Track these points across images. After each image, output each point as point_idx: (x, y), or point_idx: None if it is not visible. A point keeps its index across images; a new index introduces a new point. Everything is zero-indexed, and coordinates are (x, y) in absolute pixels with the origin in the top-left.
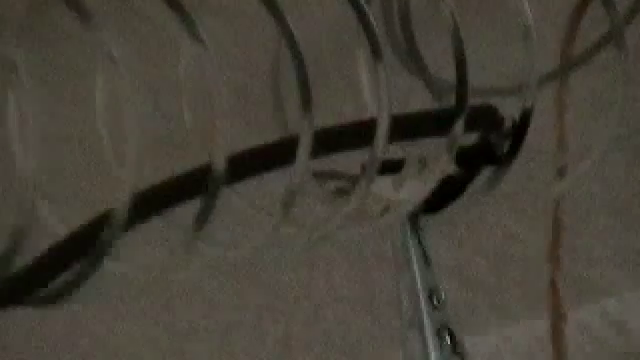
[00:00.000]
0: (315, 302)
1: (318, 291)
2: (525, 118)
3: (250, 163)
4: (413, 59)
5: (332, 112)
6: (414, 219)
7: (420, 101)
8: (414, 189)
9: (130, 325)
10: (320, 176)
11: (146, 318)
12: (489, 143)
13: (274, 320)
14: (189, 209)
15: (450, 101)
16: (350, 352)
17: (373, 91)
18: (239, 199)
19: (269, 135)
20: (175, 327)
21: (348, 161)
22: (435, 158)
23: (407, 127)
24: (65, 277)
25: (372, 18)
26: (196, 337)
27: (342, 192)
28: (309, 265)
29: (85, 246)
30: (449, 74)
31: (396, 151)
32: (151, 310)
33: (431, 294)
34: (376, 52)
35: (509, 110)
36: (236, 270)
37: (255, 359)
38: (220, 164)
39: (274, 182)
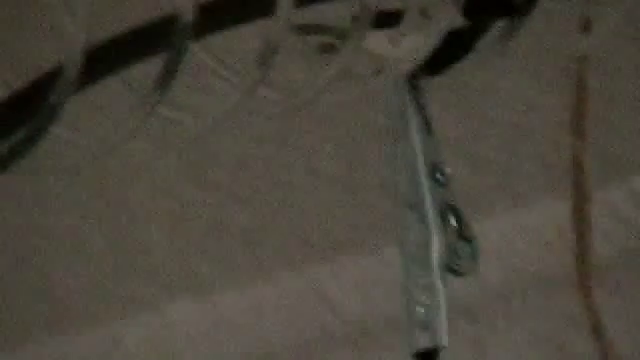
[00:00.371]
0: (289, 184)
1: (292, 170)
2: None
3: (223, 12)
4: None
5: None
6: (414, 80)
7: None
8: (414, 45)
9: (75, 201)
10: (303, 30)
11: (96, 197)
12: None
13: (238, 206)
14: (149, 68)
15: None
16: (331, 244)
17: None
18: (207, 56)
19: None
20: (126, 208)
21: (335, 13)
22: (439, 8)
23: None
24: (8, 143)
25: None
26: (148, 221)
27: (328, 48)
28: (282, 138)
29: (30, 109)
30: None
31: (394, 1)
32: (102, 187)
33: (433, 168)
34: None
35: None
36: (191, 145)
37: (213, 253)
38: (187, 13)
39: (246, 38)
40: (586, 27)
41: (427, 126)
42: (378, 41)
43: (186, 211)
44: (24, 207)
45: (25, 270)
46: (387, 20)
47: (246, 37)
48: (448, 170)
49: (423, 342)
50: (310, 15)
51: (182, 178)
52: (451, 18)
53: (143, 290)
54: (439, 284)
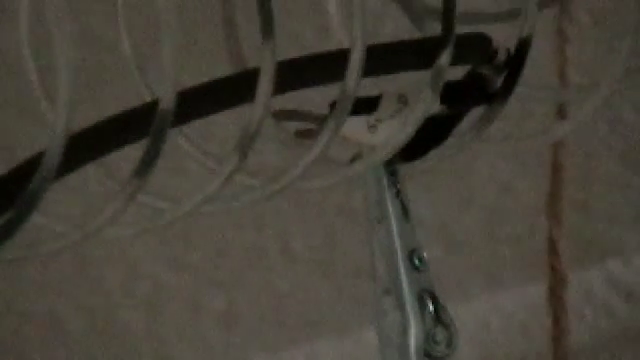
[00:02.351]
0: (264, 268)
1: (269, 254)
2: (522, 49)
3: (203, 100)
4: None
5: (292, 41)
6: (392, 167)
7: (395, 28)
8: (392, 131)
9: (52, 283)
10: (280, 116)
11: (73, 278)
12: (480, 78)
13: (214, 289)
14: (126, 155)
15: (433, 28)
16: (307, 328)
17: (343, 17)
18: (186, 143)
19: (220, 71)
20: (101, 294)
21: (312, 100)
22: (417, 95)
23: (384, 59)
24: None
25: None
26: (125, 303)
27: (306, 135)
28: (259, 223)
29: (10, 196)
30: None
31: (371, 87)
32: (79, 269)
33: (411, 254)
34: None
35: (503, 40)
36: (169, 229)
37: (192, 336)
38: (169, 101)
39: (224, 124)
40: (562, 113)
41: (404, 212)
42: (356, 127)
43: (163, 294)
44: (1, 289)
45: (2, 350)
46: (364, 106)
47: (225, 123)
48: (425, 255)
49: None
50: (288, 101)
51: (159, 261)
52: (429, 105)
53: None
54: None
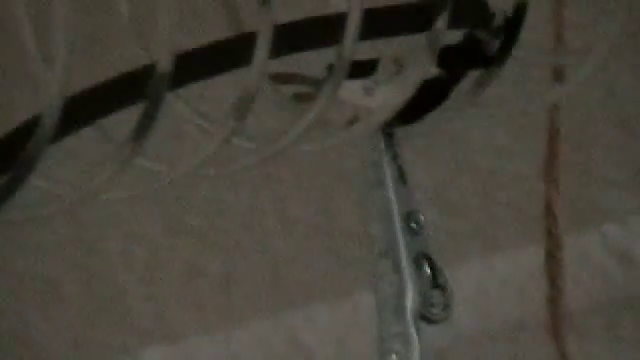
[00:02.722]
0: (262, 231)
1: (266, 218)
2: (519, 12)
3: (200, 63)
4: None
5: (289, 5)
6: (388, 129)
7: None
8: (389, 95)
9: (50, 246)
10: (277, 79)
11: (71, 242)
12: (477, 41)
13: (212, 252)
14: (123, 116)
15: None
16: (303, 291)
17: None
18: (183, 106)
19: (217, 35)
20: (98, 257)
21: (309, 63)
22: (414, 59)
23: (381, 22)
24: None
25: None
26: (122, 266)
27: (303, 98)
28: (255, 186)
29: (8, 159)
30: None
31: (368, 51)
32: (77, 233)
33: (408, 217)
34: None
35: (500, 3)
36: (166, 192)
37: (187, 299)
38: (166, 64)
39: (221, 87)
40: (558, 76)
41: (401, 175)
42: (353, 90)
43: (160, 257)
44: None
45: (1, 313)
46: (361, 70)
47: (221, 86)
48: (422, 218)
49: None
50: (285, 64)
51: (156, 224)
52: (426, 68)
53: (116, 335)
54: (413, 332)
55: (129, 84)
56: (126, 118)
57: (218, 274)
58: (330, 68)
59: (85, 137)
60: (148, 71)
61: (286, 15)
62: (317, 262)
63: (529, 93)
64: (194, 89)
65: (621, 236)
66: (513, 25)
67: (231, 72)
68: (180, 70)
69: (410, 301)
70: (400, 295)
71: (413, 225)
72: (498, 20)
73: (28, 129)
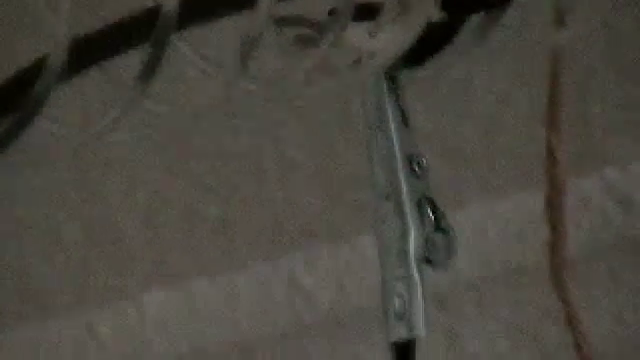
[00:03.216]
0: (260, 175)
1: (264, 162)
2: None
3: (205, 5)
4: None
5: None
6: (392, 73)
7: None
8: (392, 38)
9: (50, 190)
10: (281, 22)
11: (71, 186)
12: None
13: (211, 196)
14: (127, 59)
15: None
16: (303, 234)
17: None
18: (187, 49)
19: None
20: (98, 201)
21: (311, 6)
22: (417, 2)
23: None
24: None
25: None
26: (122, 210)
27: (307, 41)
28: (256, 130)
29: (15, 99)
30: None
31: None
32: (77, 177)
33: (410, 160)
34: None
35: None
36: (167, 136)
37: (189, 243)
38: (171, 5)
39: (224, 30)
40: (560, 20)
41: (404, 118)
42: (356, 34)
43: (160, 201)
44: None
45: (1, 256)
46: (365, 12)
47: (224, 29)
48: (425, 162)
49: (400, 332)
50: (289, 7)
51: (156, 169)
52: (429, 11)
53: (117, 279)
54: (416, 275)
55: (135, 26)
56: (128, 61)
57: (218, 218)
58: (334, 11)
59: (88, 80)
60: (153, 13)
61: None
62: (317, 205)
63: (531, 38)
64: (198, 33)
65: (622, 181)
66: None
67: (235, 15)
68: (185, 11)
69: (412, 243)
70: (403, 238)
71: (415, 168)
72: None
73: (35, 70)
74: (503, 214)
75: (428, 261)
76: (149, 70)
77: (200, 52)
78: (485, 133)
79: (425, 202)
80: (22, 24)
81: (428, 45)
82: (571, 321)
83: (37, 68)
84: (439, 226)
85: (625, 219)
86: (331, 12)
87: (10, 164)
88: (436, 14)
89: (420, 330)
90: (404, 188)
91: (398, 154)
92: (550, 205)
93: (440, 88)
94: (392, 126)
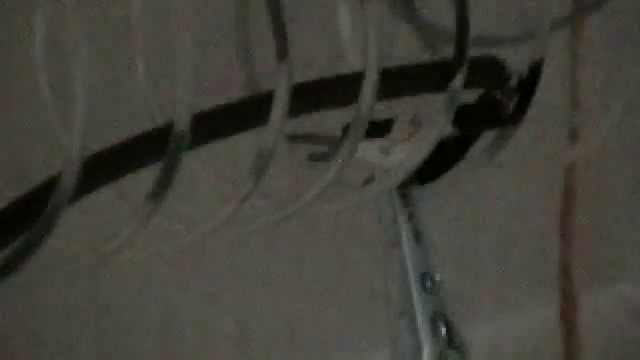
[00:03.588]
0: (277, 289)
1: (281, 276)
2: (535, 72)
3: (218, 123)
4: None
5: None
6: (404, 190)
7: (407, 51)
8: (405, 155)
9: (64, 304)
10: (294, 139)
11: (85, 301)
12: (493, 101)
13: (226, 311)
14: (138, 179)
15: (445, 52)
16: (319, 350)
17: (356, 39)
18: (201, 166)
19: (233, 95)
20: (112, 318)
21: (324, 123)
22: (430, 118)
23: (398, 82)
24: (4, 254)
25: None
26: (135, 326)
27: (319, 158)
28: (271, 245)
29: (27, 219)
30: (445, 19)
31: (384, 111)
32: (90, 291)
33: (424, 277)
34: None
35: (516, 62)
36: (179, 251)
37: (201, 357)
38: (184, 123)
39: (237, 147)
40: (574, 135)
41: (417, 235)
42: (369, 150)
43: (174, 317)
44: (13, 309)
45: None
46: (377, 129)
47: (238, 146)
48: (438, 278)
49: None
50: (302, 125)
51: (170, 285)
52: (443, 128)
53: None
54: None
55: (147, 144)
56: (137, 178)
57: (233, 333)
58: (346, 128)
59: (100, 196)
60: (166, 131)
61: (300, 75)
62: (332, 321)
63: (544, 153)
64: (210, 150)
65: (636, 295)
66: (529, 85)
67: (247, 131)
68: (198, 130)
69: None
70: (417, 355)
71: (429, 285)
72: (514, 80)
73: (46, 189)
74: (517, 329)
75: None
76: (162, 187)
77: (213, 169)
78: (499, 247)
79: (439, 319)
80: (37, 135)
81: (441, 161)
82: None
83: (49, 187)
84: (452, 342)
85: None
86: (345, 129)
87: (24, 280)
88: (448, 130)
89: None
90: (417, 305)
91: (411, 271)
92: (564, 320)
93: (454, 202)
94: (405, 244)
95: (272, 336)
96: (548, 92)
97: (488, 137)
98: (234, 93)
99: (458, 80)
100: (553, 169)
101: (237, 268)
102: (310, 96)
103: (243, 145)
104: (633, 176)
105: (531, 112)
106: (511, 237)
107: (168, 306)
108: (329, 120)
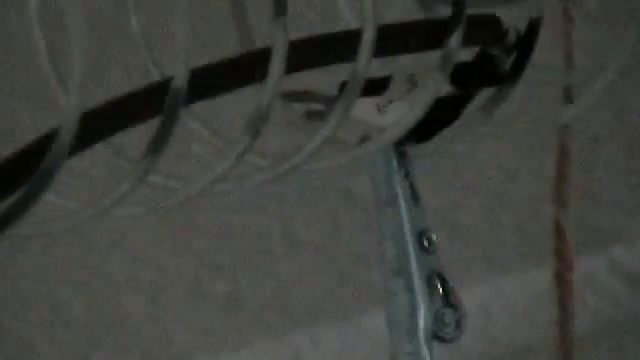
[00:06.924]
0: (268, 253)
1: (272, 239)
2: (532, 29)
3: (215, 79)
4: None
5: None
6: (401, 148)
7: (402, 10)
8: (401, 113)
9: (55, 267)
10: (289, 97)
11: (76, 264)
12: (490, 59)
13: (217, 273)
14: (133, 136)
15: (440, 11)
16: (310, 315)
17: None
18: (196, 123)
19: (228, 52)
20: (105, 275)
21: (318, 80)
22: (427, 76)
23: (395, 39)
24: (1, 207)
25: None
26: (126, 288)
27: (315, 116)
28: (261, 206)
29: (24, 173)
30: None
31: (379, 68)
32: (81, 254)
33: (420, 236)
34: None
35: (512, 20)
36: (172, 213)
37: (192, 320)
38: (182, 79)
39: (231, 105)
40: (569, 96)
41: (413, 193)
42: (365, 108)
43: (165, 279)
44: (3, 271)
45: (3, 335)
46: (374, 87)
47: (231, 104)
48: (434, 237)
49: None
50: (297, 82)
51: (161, 246)
52: (438, 85)
53: (121, 356)
54: (425, 352)
55: (145, 99)
56: (134, 135)
57: (223, 295)
58: (343, 86)
59: (94, 153)
60: (163, 87)
61: (297, 33)
62: (322, 283)
63: (538, 113)
64: (206, 108)
65: (628, 258)
66: (526, 43)
67: (244, 89)
68: (195, 85)
69: (422, 320)
70: (412, 314)
71: (425, 244)
72: (511, 37)
73: (44, 144)
74: (509, 292)
75: (437, 337)
76: (159, 144)
77: (209, 127)
78: (491, 210)
79: (435, 277)
80: (25, 93)
81: (437, 119)
82: None
83: (46, 142)
84: (449, 302)
85: (631, 296)
86: (341, 86)
87: (19, 236)
88: (445, 88)
89: None
90: (414, 264)
91: (408, 230)
92: (559, 282)
93: (446, 163)
94: (402, 202)
95: (261, 298)
96: (543, 52)
97: (483, 96)
98: (229, 51)
99: (455, 38)
100: (547, 130)
101: (228, 230)
102: (307, 52)
103: (240, 103)
104: (627, 136)
105: (526, 71)
106: (503, 200)
107: (159, 267)
108: (321, 80)
